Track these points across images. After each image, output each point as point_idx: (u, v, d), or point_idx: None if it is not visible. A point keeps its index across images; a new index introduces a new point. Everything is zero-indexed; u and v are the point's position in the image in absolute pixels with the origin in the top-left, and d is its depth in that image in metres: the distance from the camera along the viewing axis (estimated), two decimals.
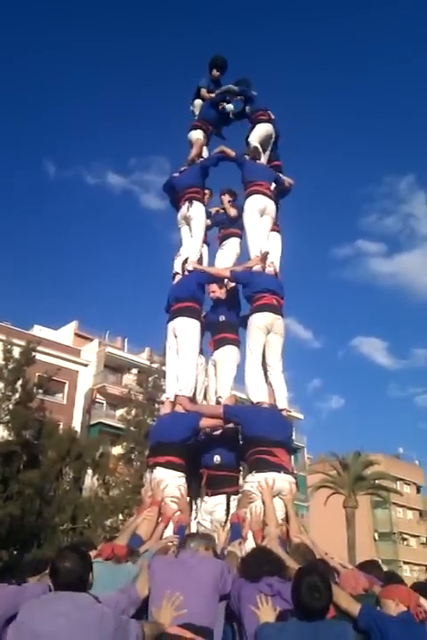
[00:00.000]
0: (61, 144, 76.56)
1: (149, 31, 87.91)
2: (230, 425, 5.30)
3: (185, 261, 6.23)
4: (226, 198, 7.09)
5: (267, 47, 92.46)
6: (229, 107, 7.64)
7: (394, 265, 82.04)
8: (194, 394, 5.72)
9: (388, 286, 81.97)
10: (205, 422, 5.22)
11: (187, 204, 6.52)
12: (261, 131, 7.12)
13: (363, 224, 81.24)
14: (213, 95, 7.67)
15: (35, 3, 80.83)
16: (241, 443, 5.31)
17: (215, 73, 7.87)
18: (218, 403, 5.74)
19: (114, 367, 32.89)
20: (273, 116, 7.30)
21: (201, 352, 6.07)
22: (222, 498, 5.16)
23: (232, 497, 5.15)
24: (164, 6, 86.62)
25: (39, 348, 21.87)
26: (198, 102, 7.80)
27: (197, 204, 6.55)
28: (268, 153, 7.26)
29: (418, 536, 46.53)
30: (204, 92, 7.76)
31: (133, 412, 23.80)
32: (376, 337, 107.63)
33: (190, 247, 6.43)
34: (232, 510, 5.00)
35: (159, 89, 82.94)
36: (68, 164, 79.14)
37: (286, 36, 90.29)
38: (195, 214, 6.50)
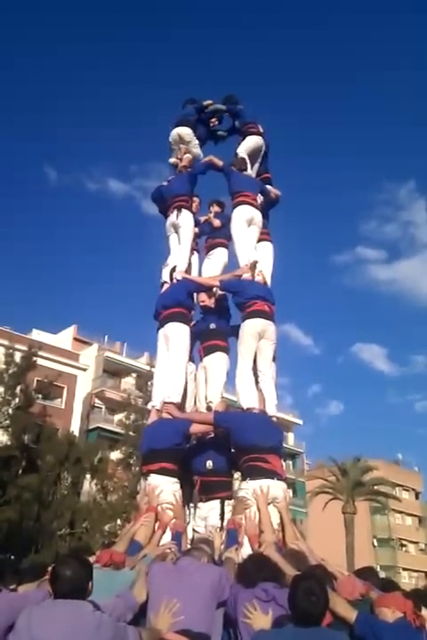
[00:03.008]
0: (62, 150, 76.87)
1: (151, 38, 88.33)
2: (221, 429, 5.26)
3: (173, 270, 6.20)
4: (213, 208, 7.10)
5: (267, 52, 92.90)
6: (222, 134, 7.77)
7: (394, 272, 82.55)
8: (183, 400, 5.67)
9: (388, 293, 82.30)
10: (195, 428, 5.21)
11: (175, 212, 6.50)
12: (251, 142, 7.16)
13: (363, 231, 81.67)
14: (201, 115, 7.65)
15: (36, 6, 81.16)
16: (233, 449, 5.28)
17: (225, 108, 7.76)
18: (208, 408, 5.73)
19: (112, 372, 32.88)
20: (262, 129, 7.32)
21: (191, 360, 6.05)
22: (216, 503, 5.15)
23: (226, 502, 5.15)
24: (165, 12, 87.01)
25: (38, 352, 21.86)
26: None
27: (185, 212, 6.51)
28: (257, 165, 7.27)
29: (417, 542, 46.45)
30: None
31: (132, 416, 23.82)
32: (376, 343, 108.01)
33: (178, 256, 6.40)
34: (226, 515, 5.00)
35: (160, 96, 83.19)
36: (68, 170, 79.45)
37: (287, 41, 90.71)
38: (183, 222, 6.46)
